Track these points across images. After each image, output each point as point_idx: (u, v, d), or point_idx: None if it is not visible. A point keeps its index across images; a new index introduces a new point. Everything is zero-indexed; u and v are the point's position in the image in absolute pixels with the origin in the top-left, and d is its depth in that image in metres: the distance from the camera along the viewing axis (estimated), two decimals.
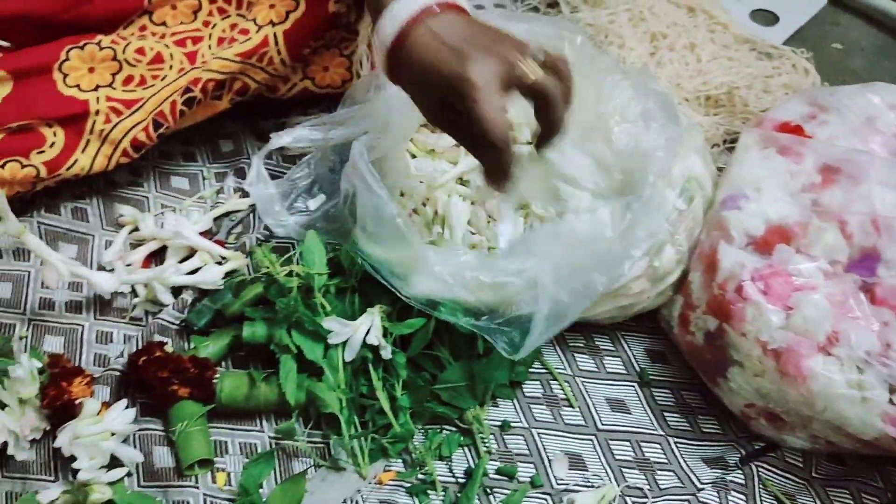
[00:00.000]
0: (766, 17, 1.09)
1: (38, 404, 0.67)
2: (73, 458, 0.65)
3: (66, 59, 0.79)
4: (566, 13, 1.05)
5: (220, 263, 0.79)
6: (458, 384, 0.71)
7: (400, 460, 0.69)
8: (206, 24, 0.85)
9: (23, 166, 0.77)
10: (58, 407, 0.66)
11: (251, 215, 0.86)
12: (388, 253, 0.70)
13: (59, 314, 0.78)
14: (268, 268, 0.72)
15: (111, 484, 0.65)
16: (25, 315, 0.77)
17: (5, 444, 0.66)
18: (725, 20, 1.00)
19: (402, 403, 0.69)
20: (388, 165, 0.71)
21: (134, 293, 0.79)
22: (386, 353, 0.69)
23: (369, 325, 0.69)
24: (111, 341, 0.77)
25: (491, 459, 0.69)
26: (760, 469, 0.69)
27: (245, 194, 0.88)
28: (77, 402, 0.66)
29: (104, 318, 0.78)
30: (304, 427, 0.70)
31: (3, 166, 0.76)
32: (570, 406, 0.73)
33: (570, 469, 0.69)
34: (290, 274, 0.71)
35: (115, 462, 0.66)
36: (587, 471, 0.69)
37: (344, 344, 0.70)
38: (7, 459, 0.67)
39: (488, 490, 0.67)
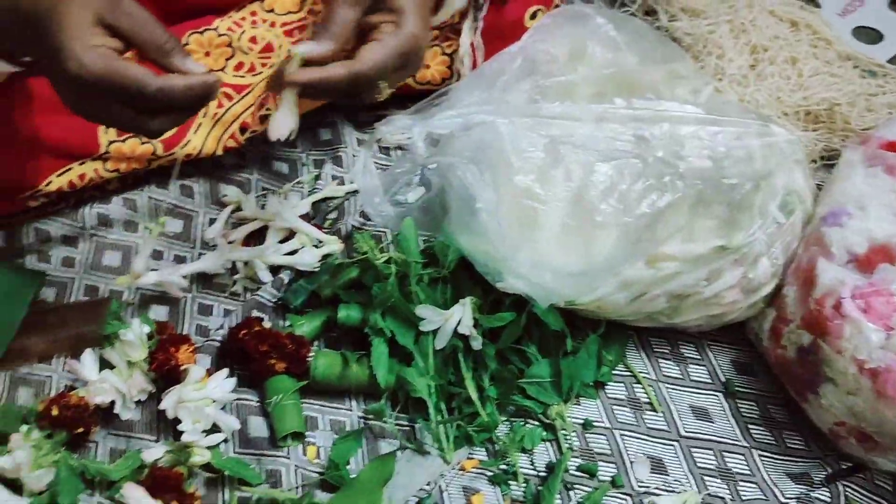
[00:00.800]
0: (870, 35, 1.07)
1: (146, 368, 0.71)
2: (176, 421, 0.68)
3: (186, 44, 0.83)
4: (664, 21, 1.05)
5: (316, 247, 0.83)
6: (544, 380, 0.72)
7: (483, 449, 0.71)
8: (311, 12, 0.88)
9: (142, 143, 0.81)
10: (164, 371, 0.70)
11: (347, 202, 0.89)
12: (480, 248, 0.71)
13: None
14: (366, 253, 0.74)
15: (210, 448, 0.68)
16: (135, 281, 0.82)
17: (113, 402, 0.70)
18: (829, 36, 0.99)
19: (490, 394, 0.71)
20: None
21: (234, 270, 0.83)
22: (476, 343, 0.70)
23: (461, 316, 0.71)
24: (211, 314, 0.80)
25: (572, 456, 0.70)
26: (847, 489, 0.68)
27: (342, 182, 0.91)
28: (182, 368, 0.70)
29: (206, 292, 0.82)
30: (391, 410, 0.72)
31: (123, 141, 0.80)
32: (654, 410, 0.74)
33: (651, 472, 0.69)
34: (387, 261, 0.74)
35: (213, 428, 0.70)
36: (668, 476, 0.70)
37: (435, 332, 0.72)
38: (113, 418, 0.71)
39: (568, 485, 0.68)
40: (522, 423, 0.72)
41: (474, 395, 0.70)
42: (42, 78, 0.75)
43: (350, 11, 0.63)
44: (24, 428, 0.67)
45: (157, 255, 0.84)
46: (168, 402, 0.68)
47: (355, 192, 0.89)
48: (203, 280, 0.83)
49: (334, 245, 0.82)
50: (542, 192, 0.66)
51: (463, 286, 0.75)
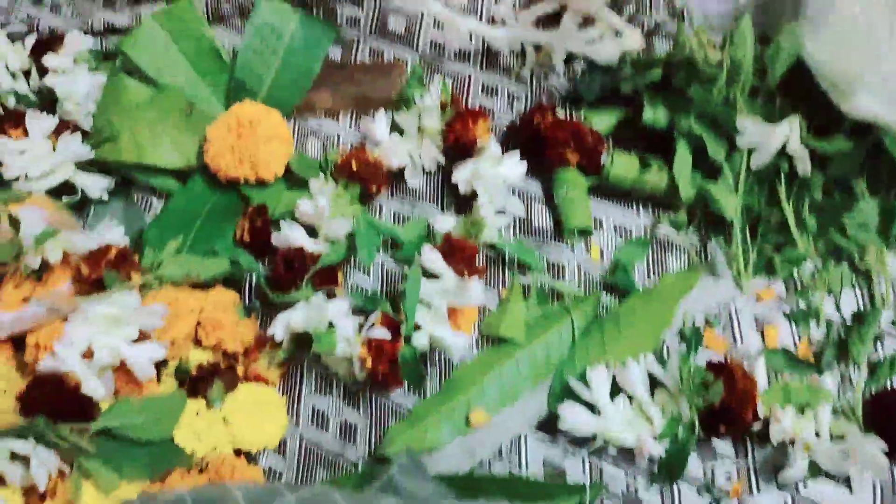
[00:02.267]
0: None
1: (438, 138, 0.69)
2: (462, 196, 0.67)
3: None
4: None
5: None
6: (869, 221, 0.64)
7: (781, 282, 0.65)
8: None
9: None
10: (459, 144, 0.67)
11: None
12: (833, 56, 0.61)
13: (448, 59, 0.78)
14: (690, 51, 0.66)
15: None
16: (417, 53, 0.78)
17: (402, 168, 0.69)
18: None
19: (807, 225, 0.64)
20: None
21: (522, 53, 0.77)
22: (804, 166, 0.63)
23: (787, 134, 0.63)
24: (496, 95, 0.76)
25: (885, 309, 0.63)
26: None
27: None
28: (478, 143, 0.67)
29: (490, 72, 0.77)
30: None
31: None
32: None
33: None
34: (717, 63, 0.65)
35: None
36: None
37: (750, 150, 0.64)
38: (399, 183, 0.71)
39: (878, 337, 0.62)
40: (835, 263, 0.65)
41: (792, 222, 0.63)
42: None
43: None
44: (321, 176, 0.68)
45: (442, 27, 0.80)
46: (461, 175, 0.67)
47: None
48: (488, 59, 0.78)
49: (635, 40, 0.75)
50: None
51: (790, 104, 0.66)
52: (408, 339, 0.59)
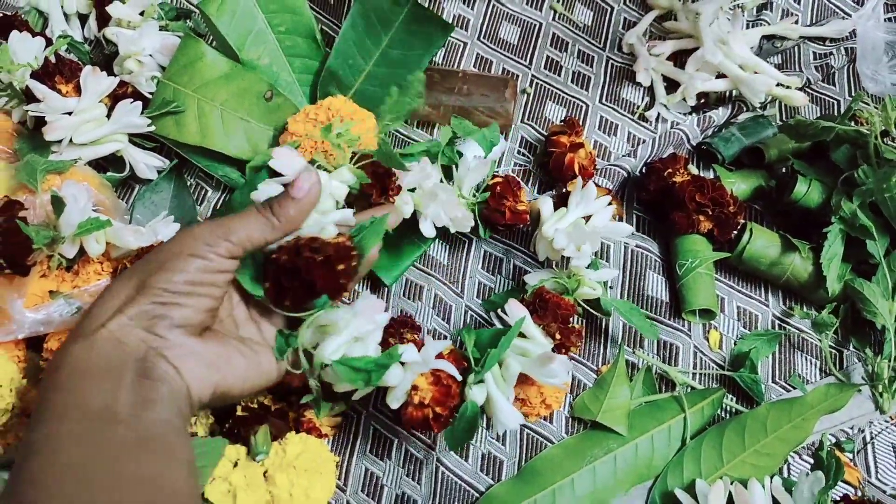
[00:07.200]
0: None
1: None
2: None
3: None
4: None
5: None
6: None
7: None
8: None
9: None
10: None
11: (798, 48, 0.70)
12: None
13: (565, 82, 0.68)
14: (872, 128, 0.56)
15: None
16: (530, 70, 0.69)
17: None
18: None
19: None
20: None
21: (650, 89, 0.68)
22: None
23: None
24: (614, 134, 0.67)
25: None
26: None
27: (797, 20, 0.72)
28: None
29: (609, 105, 0.68)
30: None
31: None
32: None
33: None
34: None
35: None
36: None
37: None
38: None
39: None
40: None
41: None
42: None
43: None
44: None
45: (559, 44, 0.70)
46: (541, 250, 0.56)
47: (818, 38, 0.70)
48: (610, 87, 0.68)
49: (796, 96, 0.65)
50: None
51: None
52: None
